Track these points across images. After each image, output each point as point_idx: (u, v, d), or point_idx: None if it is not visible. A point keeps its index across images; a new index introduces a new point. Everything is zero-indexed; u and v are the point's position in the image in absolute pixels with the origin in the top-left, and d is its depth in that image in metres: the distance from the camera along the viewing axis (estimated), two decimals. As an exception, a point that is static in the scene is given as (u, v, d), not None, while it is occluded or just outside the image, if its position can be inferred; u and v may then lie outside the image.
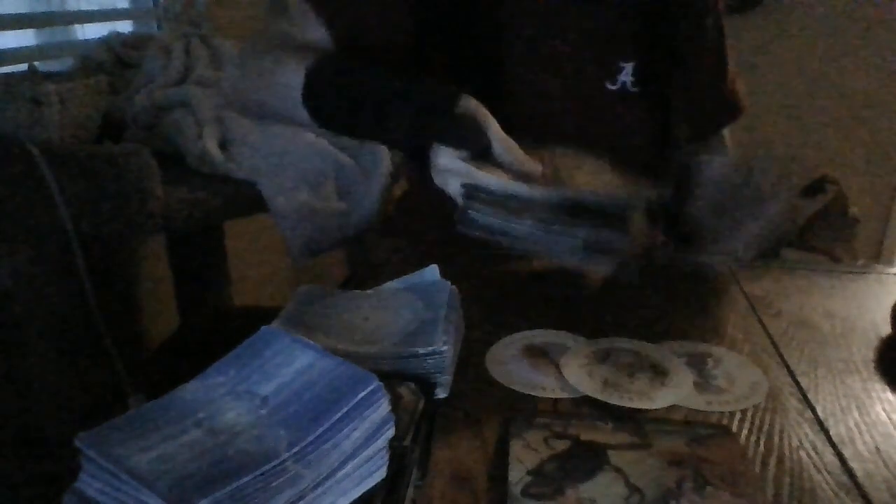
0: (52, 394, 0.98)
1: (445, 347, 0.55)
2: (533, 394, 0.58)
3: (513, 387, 0.59)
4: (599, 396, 0.56)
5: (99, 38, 1.25)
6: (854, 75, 2.46)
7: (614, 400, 0.56)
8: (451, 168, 0.64)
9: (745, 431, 0.53)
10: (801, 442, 0.52)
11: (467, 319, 0.67)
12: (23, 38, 1.29)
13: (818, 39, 2.44)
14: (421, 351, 0.55)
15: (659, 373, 0.60)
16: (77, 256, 0.92)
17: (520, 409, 0.55)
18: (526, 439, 0.50)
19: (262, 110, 0.86)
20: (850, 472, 0.49)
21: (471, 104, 0.66)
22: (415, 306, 0.63)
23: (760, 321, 0.72)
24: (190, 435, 0.43)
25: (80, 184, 0.90)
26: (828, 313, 0.74)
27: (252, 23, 1.45)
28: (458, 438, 0.52)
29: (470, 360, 0.63)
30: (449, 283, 0.65)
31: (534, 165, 0.65)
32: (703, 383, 0.60)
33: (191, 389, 0.47)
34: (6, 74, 1.02)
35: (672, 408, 0.56)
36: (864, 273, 0.87)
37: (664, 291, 0.78)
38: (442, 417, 0.54)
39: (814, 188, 2.50)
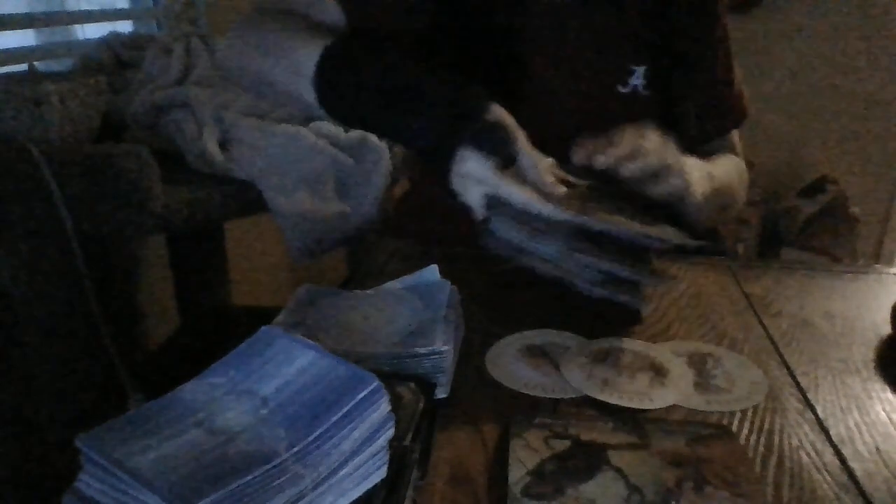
0: (53, 394, 0.98)
1: (445, 347, 0.55)
2: (533, 394, 0.58)
3: (513, 387, 0.59)
4: (599, 396, 0.56)
5: (99, 38, 1.25)
6: (854, 75, 2.47)
7: (614, 400, 0.56)
8: (475, 175, 0.62)
9: (745, 431, 0.53)
10: (801, 442, 0.52)
11: (467, 319, 0.67)
12: (23, 38, 1.29)
13: (818, 39, 2.44)
14: (421, 351, 0.55)
15: (659, 373, 0.60)
16: (77, 256, 0.92)
17: (520, 409, 0.55)
18: (526, 439, 0.50)
19: (260, 83, 0.82)
20: (850, 472, 0.49)
21: (501, 113, 0.65)
22: (415, 306, 0.63)
23: (760, 321, 0.72)
24: (190, 435, 0.43)
25: (80, 184, 0.90)
26: (828, 313, 0.74)
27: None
28: (458, 438, 0.52)
29: (470, 360, 0.63)
30: (449, 283, 0.65)
31: (556, 187, 0.63)
32: (703, 383, 0.60)
33: (191, 389, 0.47)
34: (6, 74, 1.02)
35: (672, 408, 0.56)
36: (864, 273, 0.87)
37: (664, 291, 0.78)
38: (442, 417, 0.54)
39: (814, 188, 2.50)
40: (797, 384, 0.61)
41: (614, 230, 0.61)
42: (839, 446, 0.52)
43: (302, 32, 0.75)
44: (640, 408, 0.55)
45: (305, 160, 1.11)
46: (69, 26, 1.41)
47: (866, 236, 2.54)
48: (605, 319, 0.69)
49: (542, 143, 0.68)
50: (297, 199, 1.09)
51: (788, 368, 0.63)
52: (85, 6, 1.47)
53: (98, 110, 1.05)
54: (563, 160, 0.82)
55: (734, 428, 0.54)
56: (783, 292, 0.80)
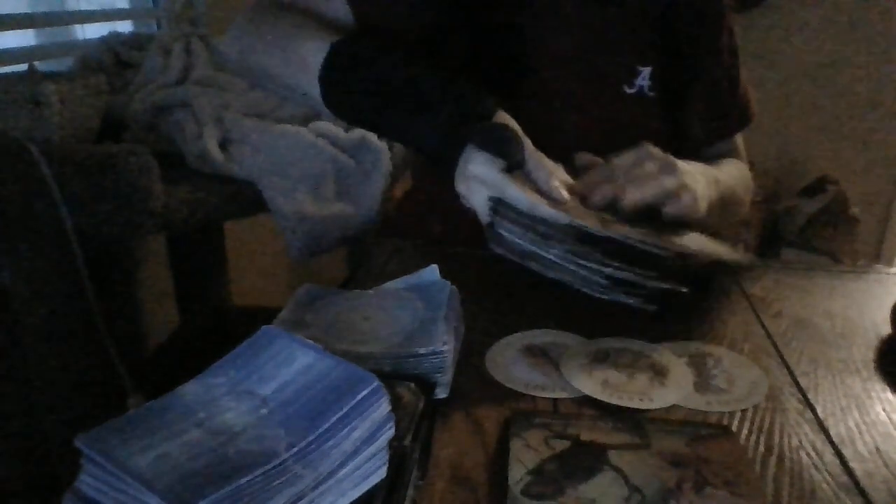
0: (52, 394, 0.98)
1: (445, 347, 0.55)
2: (533, 394, 0.58)
3: (513, 387, 0.59)
4: (599, 396, 0.56)
5: (99, 38, 1.25)
6: (854, 75, 2.46)
7: (614, 400, 0.56)
8: (481, 176, 0.62)
9: (745, 431, 0.53)
10: (801, 442, 0.52)
11: (467, 319, 0.67)
12: (23, 38, 1.29)
13: (818, 39, 2.44)
14: (421, 351, 0.55)
15: (659, 373, 0.60)
16: (77, 256, 0.92)
17: (520, 409, 0.55)
18: (526, 439, 0.50)
19: (263, 77, 0.82)
20: (850, 472, 0.49)
21: (507, 117, 0.65)
22: (415, 306, 0.63)
23: (760, 321, 0.72)
24: (190, 435, 0.43)
25: (80, 184, 0.90)
26: (828, 313, 0.74)
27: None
28: (458, 438, 0.52)
29: (470, 360, 0.63)
30: (449, 283, 0.65)
31: (561, 194, 0.64)
32: (703, 383, 0.60)
33: (191, 389, 0.47)
34: (6, 74, 1.02)
35: (672, 408, 0.56)
36: (864, 273, 0.87)
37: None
38: (442, 417, 0.54)
39: (814, 188, 2.50)
40: (797, 384, 0.61)
41: (619, 237, 0.61)
42: (839, 446, 0.52)
43: (307, 28, 0.75)
44: (640, 408, 0.55)
45: (305, 160, 1.11)
46: (69, 26, 1.41)
47: (866, 236, 2.54)
48: (604, 319, 0.69)
49: (547, 143, 0.69)
50: (297, 199, 1.09)
51: (788, 368, 0.63)
52: (85, 6, 1.47)
53: (98, 110, 1.05)
54: (568, 161, 0.82)
55: (734, 428, 0.54)
56: (783, 292, 0.80)
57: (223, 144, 1.10)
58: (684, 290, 0.65)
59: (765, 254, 2.42)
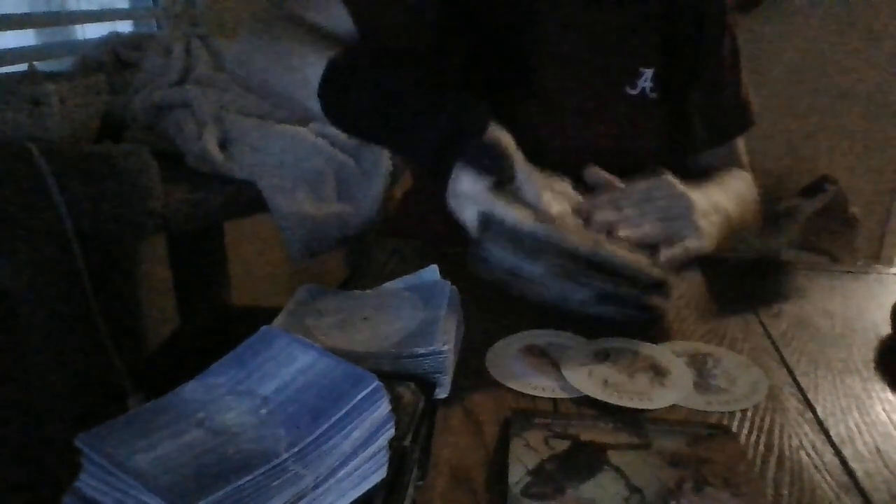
0: (52, 394, 0.98)
1: (445, 347, 0.55)
2: (533, 394, 0.58)
3: (513, 387, 0.59)
4: (599, 396, 0.56)
5: (99, 38, 1.25)
6: (854, 75, 2.46)
7: (614, 400, 0.56)
8: (470, 193, 0.63)
9: (745, 431, 0.53)
10: (801, 442, 0.52)
11: (467, 319, 0.67)
12: (23, 38, 1.29)
13: (818, 39, 2.44)
14: (421, 351, 0.55)
15: (659, 373, 0.60)
16: (77, 256, 0.92)
17: (520, 409, 0.55)
18: (526, 439, 0.50)
19: (266, 89, 0.83)
20: (850, 472, 0.49)
21: (499, 132, 0.65)
22: (415, 306, 0.63)
23: (760, 321, 0.72)
24: (190, 435, 0.43)
25: (80, 184, 0.90)
26: (828, 313, 0.74)
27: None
28: (458, 438, 0.52)
29: (470, 360, 0.63)
30: (449, 283, 0.65)
31: (551, 207, 0.64)
32: (703, 383, 0.60)
33: (191, 389, 0.47)
34: (6, 74, 1.02)
35: (672, 408, 0.56)
36: (864, 273, 0.87)
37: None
38: (442, 417, 0.54)
39: (814, 188, 2.49)
40: (797, 384, 0.61)
41: (603, 256, 0.62)
42: (839, 446, 0.52)
43: (309, 43, 0.76)
44: (640, 408, 0.55)
45: (305, 160, 1.11)
46: (69, 26, 1.41)
47: (866, 236, 2.54)
48: (605, 320, 0.69)
49: (548, 145, 0.69)
50: (297, 199, 1.09)
51: (788, 368, 0.63)
52: (85, 6, 1.47)
53: (98, 110, 1.05)
54: (569, 161, 0.82)
55: (734, 428, 0.54)
56: (783, 292, 0.80)
57: (223, 144, 1.09)
58: (668, 304, 0.66)
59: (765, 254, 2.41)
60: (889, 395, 0.59)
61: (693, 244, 0.70)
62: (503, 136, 0.65)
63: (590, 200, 0.72)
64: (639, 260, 0.65)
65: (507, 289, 0.63)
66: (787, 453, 0.51)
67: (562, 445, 0.49)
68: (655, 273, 0.65)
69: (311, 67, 0.72)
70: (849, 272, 0.87)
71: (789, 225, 0.84)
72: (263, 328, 0.52)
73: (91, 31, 1.42)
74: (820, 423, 0.55)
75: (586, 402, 0.57)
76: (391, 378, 0.49)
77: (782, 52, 2.46)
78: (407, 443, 0.46)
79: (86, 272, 0.93)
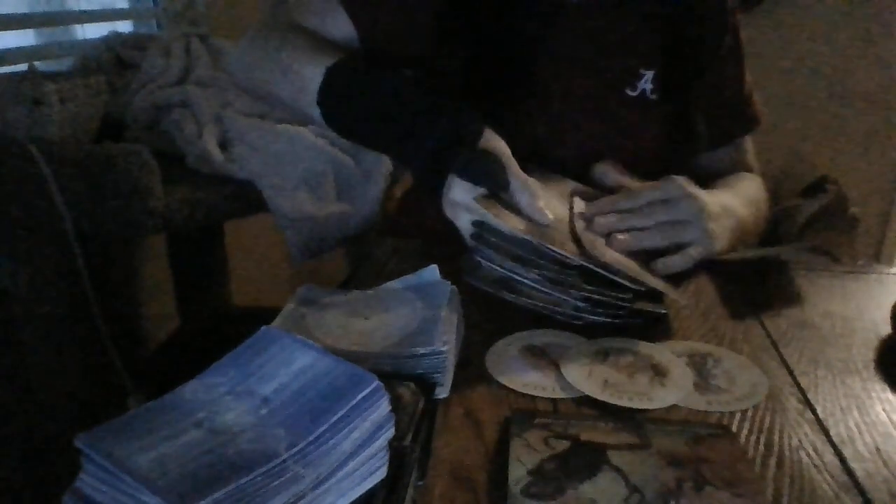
0: (53, 394, 0.98)
1: (445, 347, 0.55)
2: (533, 394, 0.58)
3: (513, 387, 0.59)
4: (599, 396, 0.56)
5: (99, 38, 1.25)
6: (854, 75, 2.46)
7: (614, 400, 0.56)
8: (464, 203, 0.64)
9: (745, 431, 0.53)
10: (801, 442, 0.52)
11: (467, 319, 0.67)
12: (23, 38, 1.29)
13: (818, 39, 2.44)
14: (421, 351, 0.55)
15: (659, 373, 0.60)
16: (77, 256, 0.92)
17: (520, 409, 0.55)
18: (526, 439, 0.50)
19: (267, 95, 0.84)
20: (850, 472, 0.49)
21: (494, 140, 0.66)
22: (415, 306, 0.63)
23: (760, 321, 0.72)
24: (190, 435, 0.43)
25: (80, 184, 0.90)
26: (828, 313, 0.74)
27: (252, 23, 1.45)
28: (458, 438, 0.52)
29: (470, 360, 0.63)
30: (449, 283, 0.65)
31: (544, 216, 0.65)
32: (703, 383, 0.60)
33: (191, 389, 0.47)
34: (6, 74, 1.02)
35: (672, 408, 0.56)
36: (864, 273, 0.87)
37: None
38: (442, 417, 0.54)
39: (814, 188, 2.49)
40: (797, 384, 0.61)
41: (594, 266, 0.63)
42: (839, 446, 0.52)
43: (309, 50, 0.76)
44: (640, 408, 0.55)
45: (305, 160, 1.11)
46: (69, 26, 1.41)
47: (866, 236, 2.54)
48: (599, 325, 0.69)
49: (549, 146, 0.69)
50: (297, 199, 1.09)
51: (788, 368, 0.63)
52: (85, 6, 1.47)
53: (98, 110, 1.05)
54: (569, 162, 0.82)
55: (734, 428, 0.54)
56: (783, 292, 0.80)
57: (223, 144, 1.10)
58: (663, 312, 0.66)
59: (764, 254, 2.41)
60: (889, 395, 0.59)
61: (697, 251, 0.70)
62: (498, 145, 0.66)
63: (595, 204, 0.72)
64: (632, 268, 0.65)
65: (500, 297, 0.64)
66: (787, 453, 0.51)
67: (562, 445, 0.49)
68: (649, 281, 0.65)
69: (309, 76, 0.73)
70: (849, 272, 0.87)
71: (789, 231, 0.84)
72: (263, 328, 0.52)
73: (91, 31, 1.42)
74: (820, 423, 0.55)
75: (586, 402, 0.57)
76: (391, 378, 0.49)
77: (782, 52, 2.46)
78: (407, 443, 0.46)
79: (85, 272, 0.94)
